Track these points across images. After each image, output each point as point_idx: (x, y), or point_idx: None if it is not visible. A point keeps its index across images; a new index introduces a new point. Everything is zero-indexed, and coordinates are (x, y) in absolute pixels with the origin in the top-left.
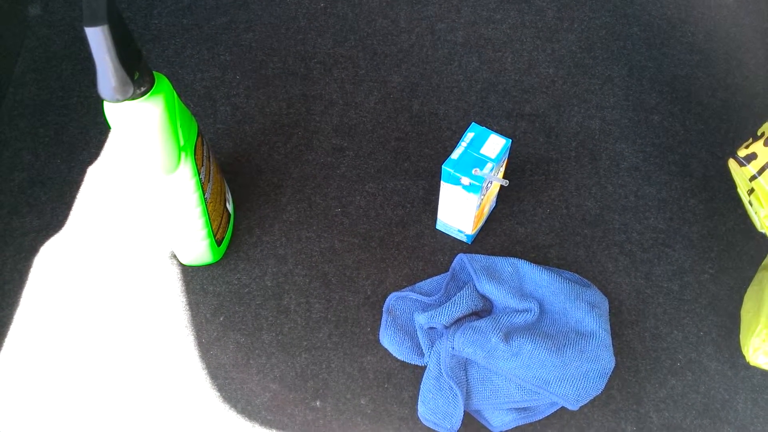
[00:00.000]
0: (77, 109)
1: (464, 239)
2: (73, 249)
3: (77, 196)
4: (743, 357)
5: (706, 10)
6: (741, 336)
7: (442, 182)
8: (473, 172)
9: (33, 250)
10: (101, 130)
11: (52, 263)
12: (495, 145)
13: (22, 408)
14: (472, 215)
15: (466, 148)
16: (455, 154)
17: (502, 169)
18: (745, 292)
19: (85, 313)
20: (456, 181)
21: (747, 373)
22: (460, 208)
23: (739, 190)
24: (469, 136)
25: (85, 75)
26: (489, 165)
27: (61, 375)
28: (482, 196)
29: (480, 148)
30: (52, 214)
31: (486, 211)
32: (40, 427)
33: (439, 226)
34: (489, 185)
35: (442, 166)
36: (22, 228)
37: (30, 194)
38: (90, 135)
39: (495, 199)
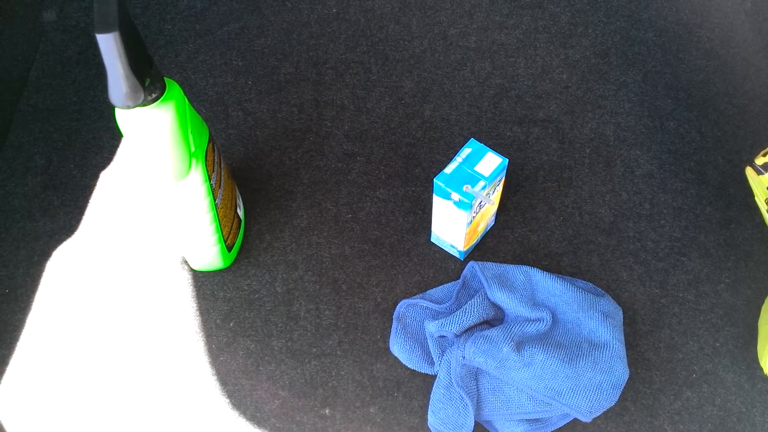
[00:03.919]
0: (90, 114)
1: (456, 255)
2: (85, 253)
3: (90, 201)
4: (761, 369)
5: (722, 14)
6: (758, 347)
7: (434, 195)
8: (464, 188)
9: (45, 255)
10: (114, 135)
11: (65, 267)
12: (490, 163)
13: (34, 411)
14: (462, 232)
15: (460, 163)
16: (449, 169)
17: (499, 188)
18: (763, 302)
19: (96, 317)
20: (446, 196)
21: (764, 386)
22: (452, 224)
23: (756, 198)
24: (465, 151)
25: (99, 80)
26: (481, 183)
27: (72, 378)
28: (474, 214)
29: (475, 165)
30: (65, 218)
31: (481, 229)
32: (51, 430)
33: (433, 239)
34: (482, 203)
35: (434, 180)
36: (34, 232)
37: (43, 198)
38: (103, 140)
39: (493, 217)
